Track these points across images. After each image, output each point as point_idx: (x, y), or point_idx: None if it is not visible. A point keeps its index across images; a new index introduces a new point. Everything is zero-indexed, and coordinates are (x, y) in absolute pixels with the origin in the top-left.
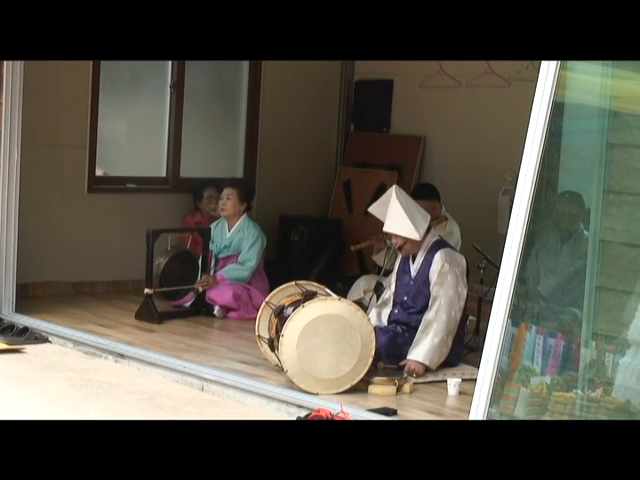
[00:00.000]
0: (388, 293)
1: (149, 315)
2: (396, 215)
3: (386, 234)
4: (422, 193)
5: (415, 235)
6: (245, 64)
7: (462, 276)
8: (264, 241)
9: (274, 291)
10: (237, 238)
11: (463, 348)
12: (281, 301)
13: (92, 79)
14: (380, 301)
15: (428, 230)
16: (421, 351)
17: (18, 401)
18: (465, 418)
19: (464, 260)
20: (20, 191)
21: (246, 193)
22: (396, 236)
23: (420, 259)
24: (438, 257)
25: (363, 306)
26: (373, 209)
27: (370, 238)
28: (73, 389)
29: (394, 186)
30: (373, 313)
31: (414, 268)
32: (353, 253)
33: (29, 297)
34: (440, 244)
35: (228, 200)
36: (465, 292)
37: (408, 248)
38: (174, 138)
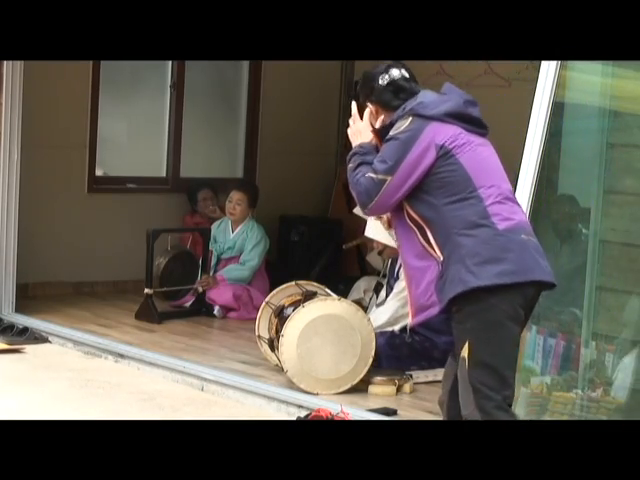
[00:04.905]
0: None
1: (149, 315)
2: (373, 220)
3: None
4: None
5: (392, 243)
6: (245, 64)
7: None
8: (267, 243)
9: (274, 291)
10: (241, 239)
11: None
12: (281, 301)
13: (92, 79)
14: (379, 301)
15: None
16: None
17: (18, 401)
18: None
19: None
20: (20, 191)
21: (255, 198)
22: (377, 241)
23: None
24: None
25: (363, 306)
26: (358, 210)
27: (361, 236)
28: (73, 389)
29: None
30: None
31: None
32: (353, 254)
33: (29, 297)
34: None
35: (238, 206)
36: None
37: (388, 252)
38: (174, 138)
